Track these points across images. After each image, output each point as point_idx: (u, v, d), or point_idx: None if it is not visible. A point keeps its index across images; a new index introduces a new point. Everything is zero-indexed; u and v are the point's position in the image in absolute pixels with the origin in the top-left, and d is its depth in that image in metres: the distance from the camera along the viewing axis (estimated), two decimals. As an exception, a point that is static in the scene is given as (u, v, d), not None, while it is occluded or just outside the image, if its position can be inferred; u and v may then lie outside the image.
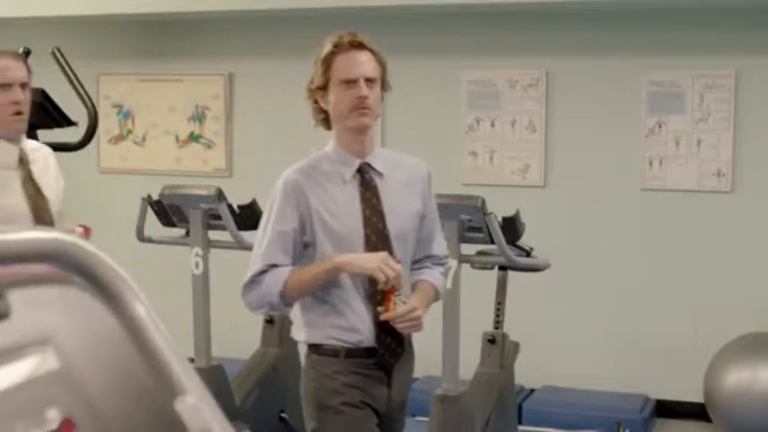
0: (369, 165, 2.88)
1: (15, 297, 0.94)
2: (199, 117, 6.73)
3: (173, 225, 4.85)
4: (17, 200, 3.17)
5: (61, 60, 4.87)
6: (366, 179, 2.87)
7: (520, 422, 5.21)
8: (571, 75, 5.99)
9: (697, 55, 5.77)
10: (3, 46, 3.32)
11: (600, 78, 5.94)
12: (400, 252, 2.84)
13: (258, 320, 4.88)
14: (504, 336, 4.48)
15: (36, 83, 4.51)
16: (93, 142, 5.54)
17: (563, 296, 5.94)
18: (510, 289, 4.63)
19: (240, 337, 5.16)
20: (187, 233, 4.76)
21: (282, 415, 4.82)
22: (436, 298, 3.04)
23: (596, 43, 5.95)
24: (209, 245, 4.71)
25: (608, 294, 5.93)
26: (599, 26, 5.91)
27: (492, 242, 4.17)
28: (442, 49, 6.08)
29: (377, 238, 2.81)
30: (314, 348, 2.86)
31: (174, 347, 1.02)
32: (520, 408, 5.43)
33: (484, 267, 4.52)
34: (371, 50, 2.83)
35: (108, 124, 6.78)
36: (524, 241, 4.55)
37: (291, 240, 2.81)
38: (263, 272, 2.81)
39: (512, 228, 4.36)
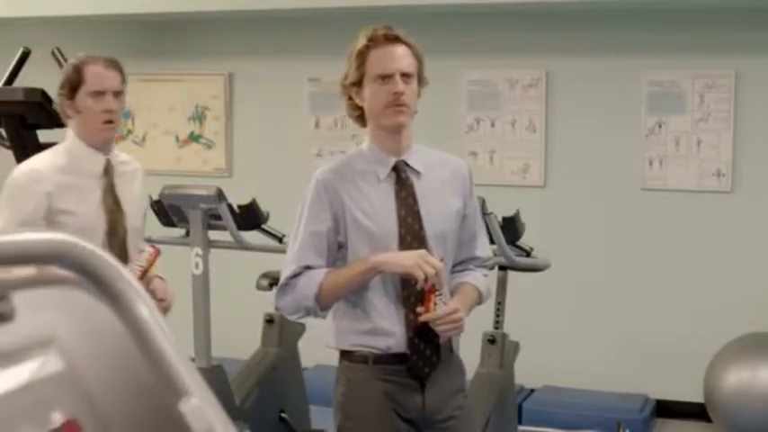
0: (405, 163, 2.75)
1: (19, 299, 0.94)
2: (199, 117, 6.73)
3: (173, 225, 4.85)
4: (94, 209, 3.12)
5: (61, 60, 4.86)
6: (402, 178, 2.73)
7: (520, 422, 5.21)
8: (571, 75, 5.99)
9: (697, 55, 5.77)
10: (98, 52, 3.21)
11: (600, 78, 5.94)
12: (439, 253, 2.70)
13: (258, 320, 4.89)
14: (504, 336, 4.48)
15: (36, 83, 4.52)
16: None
17: (563, 296, 5.94)
18: (510, 289, 4.63)
19: (240, 337, 5.16)
20: (187, 233, 4.76)
21: (282, 415, 4.82)
22: (479, 301, 2.89)
23: (596, 43, 5.96)
24: (209, 245, 4.71)
25: (608, 294, 5.93)
26: (599, 26, 5.91)
27: (492, 242, 4.17)
28: (442, 49, 6.06)
29: (412, 238, 2.68)
30: (344, 355, 2.76)
31: (178, 348, 1.02)
32: (520, 408, 5.43)
33: (484, 267, 4.52)
34: (407, 44, 2.72)
35: (108, 124, 6.76)
36: (524, 241, 4.56)
37: (325, 241, 2.69)
38: (296, 275, 2.69)
39: (512, 228, 4.36)
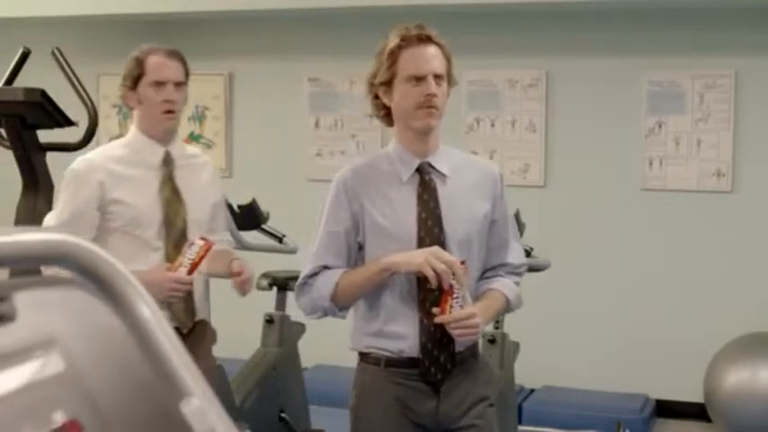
0: (430, 165, 2.69)
1: (20, 299, 0.94)
2: (199, 117, 6.73)
3: (173, 225, 4.84)
4: (149, 200, 3.09)
5: (61, 60, 4.85)
6: (425, 180, 2.68)
7: (520, 422, 5.21)
8: (571, 75, 6.00)
9: (697, 55, 5.78)
10: (153, 46, 3.18)
11: (600, 78, 5.94)
12: (462, 258, 2.60)
13: (258, 320, 4.88)
14: (504, 336, 4.48)
15: (36, 83, 4.52)
16: (93, 142, 5.53)
17: (563, 296, 5.94)
18: (510, 289, 4.62)
19: (240, 337, 5.15)
20: (187, 233, 4.75)
21: (282, 415, 4.82)
22: (507, 308, 2.81)
23: (596, 43, 5.96)
24: (209, 245, 4.70)
25: (608, 294, 5.94)
26: (599, 26, 5.91)
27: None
28: (441, 49, 6.08)
29: (431, 241, 2.60)
30: (361, 356, 2.72)
31: (179, 349, 1.02)
32: (520, 408, 5.43)
33: (484, 267, 4.51)
34: (438, 44, 2.68)
35: (108, 124, 6.77)
36: (524, 241, 4.55)
37: (344, 241, 2.66)
38: (314, 274, 2.67)
39: (512, 228, 4.36)
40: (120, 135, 6.94)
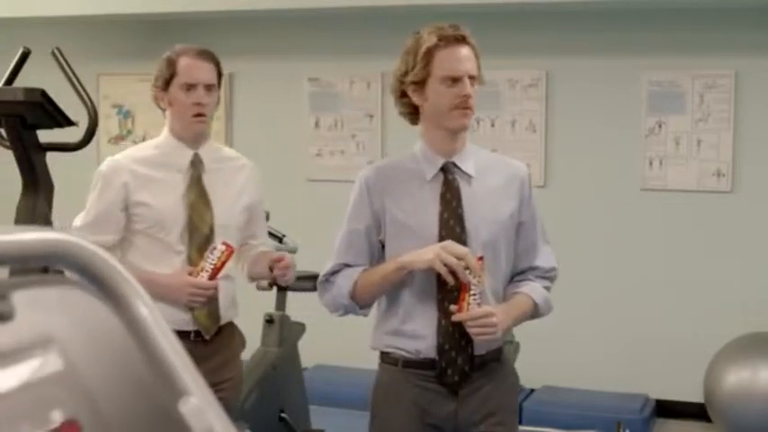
0: (454, 164, 2.66)
1: (19, 298, 0.94)
2: (199, 117, 6.72)
3: (173, 225, 4.84)
4: (172, 202, 3.05)
5: (61, 60, 4.85)
6: (448, 179, 2.64)
7: (520, 422, 5.19)
8: (571, 75, 5.99)
9: (697, 55, 5.78)
10: (194, 45, 3.16)
11: (600, 78, 5.94)
12: (488, 260, 2.57)
13: (258, 320, 4.88)
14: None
15: (36, 83, 4.51)
16: (93, 142, 5.53)
17: (563, 296, 5.90)
18: (510, 289, 4.61)
19: (240, 337, 5.15)
20: (187, 233, 4.75)
21: (282, 415, 4.82)
22: (534, 313, 2.76)
23: (596, 43, 5.96)
24: (209, 245, 4.69)
25: (608, 294, 5.93)
26: (599, 26, 5.91)
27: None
28: (442, 49, 6.07)
29: (452, 240, 2.56)
30: (381, 356, 2.70)
31: (178, 348, 1.02)
32: (520, 408, 5.42)
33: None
34: (471, 45, 2.68)
35: (108, 124, 6.77)
36: (524, 241, 4.54)
37: (365, 239, 2.64)
38: (335, 272, 2.66)
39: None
40: (120, 135, 6.98)
